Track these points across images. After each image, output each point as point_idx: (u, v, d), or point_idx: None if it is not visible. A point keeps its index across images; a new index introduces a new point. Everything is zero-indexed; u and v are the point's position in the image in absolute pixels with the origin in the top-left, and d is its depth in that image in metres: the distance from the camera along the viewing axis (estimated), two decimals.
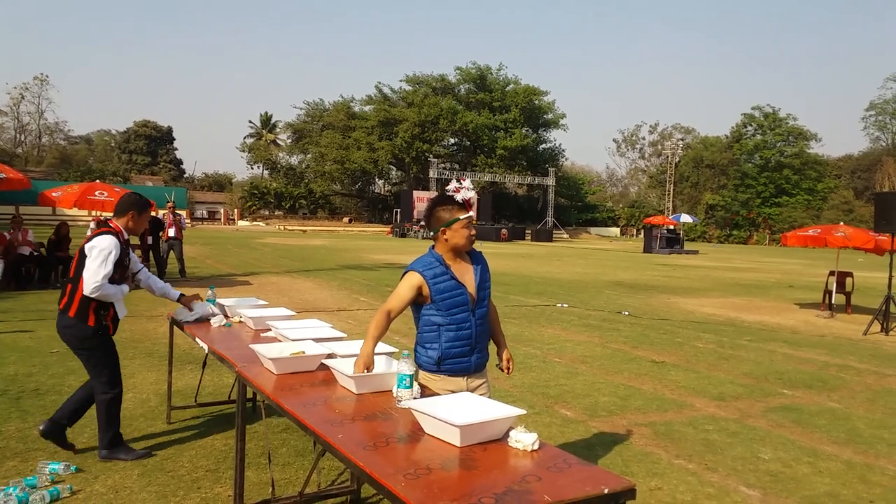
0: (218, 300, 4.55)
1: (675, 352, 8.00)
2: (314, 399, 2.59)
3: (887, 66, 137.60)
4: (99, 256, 3.73)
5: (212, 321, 4.19)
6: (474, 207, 2.99)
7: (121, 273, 3.93)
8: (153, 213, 13.36)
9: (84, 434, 4.28)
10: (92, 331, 3.83)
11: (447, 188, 2.90)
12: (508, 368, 3.13)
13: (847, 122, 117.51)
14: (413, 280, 2.82)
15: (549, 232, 50.60)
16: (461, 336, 2.84)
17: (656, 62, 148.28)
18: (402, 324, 3.04)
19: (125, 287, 3.94)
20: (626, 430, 4.92)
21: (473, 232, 2.88)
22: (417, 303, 2.87)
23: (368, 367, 2.70)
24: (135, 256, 4.29)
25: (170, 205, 14.65)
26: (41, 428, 3.95)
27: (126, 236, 4.01)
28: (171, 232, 14.01)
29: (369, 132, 57.69)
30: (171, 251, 14.15)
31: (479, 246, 3.02)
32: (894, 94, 65.78)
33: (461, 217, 2.83)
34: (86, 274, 3.71)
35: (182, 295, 4.34)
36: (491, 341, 3.09)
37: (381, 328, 2.77)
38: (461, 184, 2.86)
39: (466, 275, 2.89)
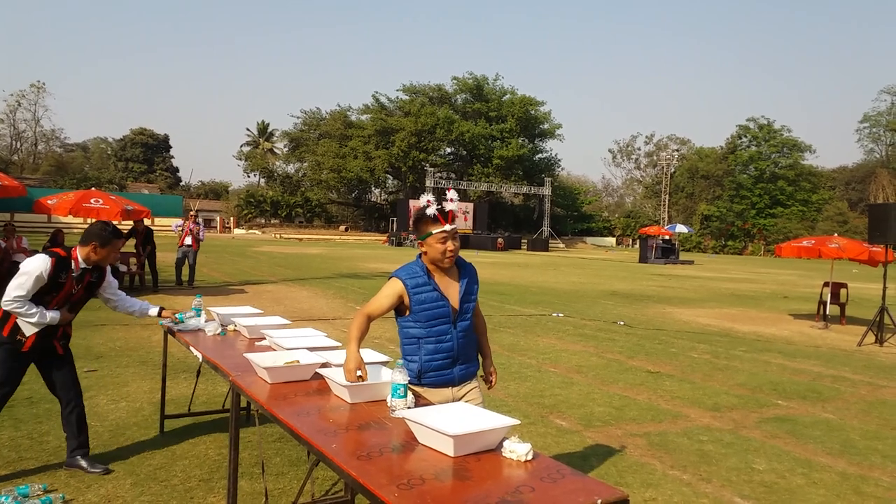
0: (212, 309, 4.54)
1: (670, 362, 8.00)
2: (308, 408, 2.59)
3: (881, 78, 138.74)
4: (19, 277, 3.66)
5: (206, 329, 4.17)
6: (456, 220, 2.77)
7: (57, 299, 3.79)
8: (144, 222, 13.36)
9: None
10: (1, 339, 3.76)
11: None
12: (491, 382, 3.08)
13: (841, 133, 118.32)
14: (395, 287, 2.79)
15: (545, 241, 50.71)
16: (441, 349, 2.81)
17: (652, 73, 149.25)
18: (396, 332, 3.03)
19: (53, 314, 3.76)
20: (620, 440, 4.92)
21: (451, 246, 2.76)
22: (399, 311, 2.84)
23: (360, 367, 2.60)
24: (113, 282, 4.14)
25: (192, 214, 14.64)
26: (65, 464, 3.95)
27: (81, 264, 3.82)
28: (188, 241, 13.98)
29: (366, 141, 57.80)
30: (186, 259, 14.12)
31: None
32: (888, 106, 66.34)
33: (433, 231, 2.75)
34: (7, 289, 3.68)
35: (162, 309, 4.24)
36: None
37: (362, 329, 2.71)
38: (446, 195, 2.80)
39: (451, 287, 2.84)
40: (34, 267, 3.67)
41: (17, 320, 3.73)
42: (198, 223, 14.31)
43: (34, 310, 3.70)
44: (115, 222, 14.10)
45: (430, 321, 2.78)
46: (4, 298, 3.67)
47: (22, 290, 3.64)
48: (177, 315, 4.24)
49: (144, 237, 13.28)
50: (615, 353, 8.49)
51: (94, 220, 12.30)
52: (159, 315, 4.22)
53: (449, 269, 2.87)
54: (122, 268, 12.71)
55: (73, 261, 3.82)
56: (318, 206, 60.95)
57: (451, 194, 2.80)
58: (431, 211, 2.76)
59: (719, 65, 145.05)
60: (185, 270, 14.28)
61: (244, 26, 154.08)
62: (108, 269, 4.12)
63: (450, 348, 2.82)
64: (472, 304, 2.90)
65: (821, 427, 5.50)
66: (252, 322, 4.23)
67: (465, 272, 2.91)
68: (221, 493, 3.62)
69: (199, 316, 4.32)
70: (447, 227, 2.75)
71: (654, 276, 23.98)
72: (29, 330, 3.75)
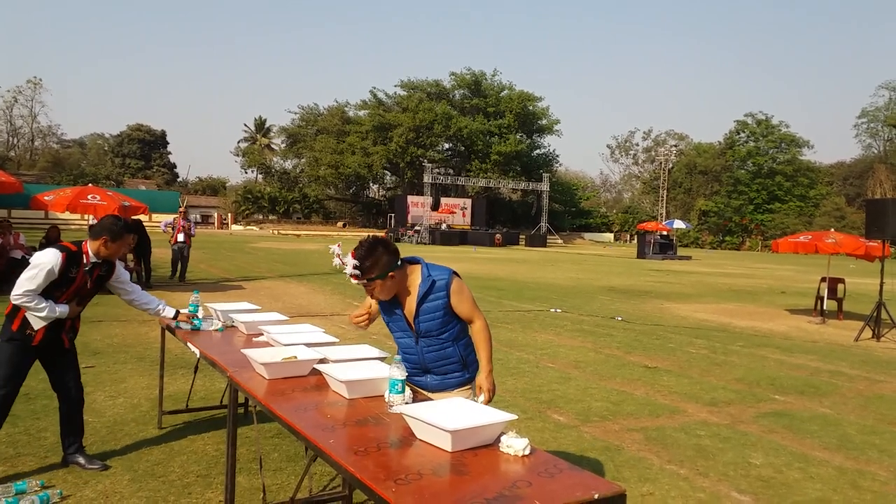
0: (210, 305, 4.53)
1: (667, 357, 8.02)
2: (306, 404, 2.59)
3: (879, 73, 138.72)
4: (30, 270, 3.60)
5: (202, 326, 4.17)
6: (359, 279, 2.71)
7: (67, 294, 3.75)
8: (137, 218, 13.26)
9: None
10: (10, 334, 3.71)
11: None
12: (482, 398, 2.81)
13: (839, 129, 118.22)
14: None
15: (543, 237, 50.65)
16: (408, 359, 2.89)
17: (651, 68, 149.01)
18: None
19: (62, 308, 3.71)
20: (618, 435, 4.93)
21: (368, 291, 2.79)
22: None
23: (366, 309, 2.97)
24: (125, 274, 4.16)
25: (181, 210, 14.60)
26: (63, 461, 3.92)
27: (91, 258, 3.80)
28: (180, 237, 13.94)
29: (364, 137, 57.68)
30: (181, 254, 14.08)
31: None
32: (886, 101, 66.20)
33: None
34: (17, 282, 3.64)
35: (178, 312, 4.16)
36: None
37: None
38: (348, 259, 2.75)
39: (409, 304, 2.82)
40: (46, 261, 3.62)
41: (26, 314, 3.68)
42: (188, 220, 14.33)
43: (43, 304, 3.65)
44: None
45: (395, 333, 2.91)
46: (14, 292, 3.61)
47: (32, 284, 3.59)
48: (194, 321, 4.16)
49: (135, 231, 13.22)
50: (613, 348, 8.50)
51: (95, 217, 12.02)
52: (175, 318, 4.15)
53: (409, 288, 2.80)
54: (120, 264, 12.66)
55: (83, 255, 3.79)
56: (315, 202, 60.90)
57: (348, 260, 2.74)
58: (336, 263, 2.88)
59: (717, 61, 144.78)
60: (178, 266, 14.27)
61: (244, 26, 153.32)
62: (119, 262, 4.10)
63: (416, 360, 2.89)
64: (432, 322, 2.78)
65: (818, 422, 5.52)
66: (250, 318, 4.22)
67: (422, 289, 2.77)
68: (219, 488, 3.62)
69: (198, 319, 4.23)
70: (354, 282, 2.76)
71: (651, 272, 24.00)
72: (38, 324, 3.71)
